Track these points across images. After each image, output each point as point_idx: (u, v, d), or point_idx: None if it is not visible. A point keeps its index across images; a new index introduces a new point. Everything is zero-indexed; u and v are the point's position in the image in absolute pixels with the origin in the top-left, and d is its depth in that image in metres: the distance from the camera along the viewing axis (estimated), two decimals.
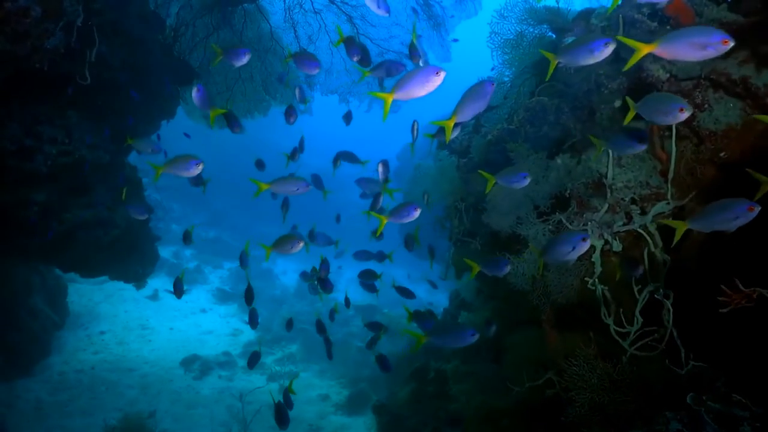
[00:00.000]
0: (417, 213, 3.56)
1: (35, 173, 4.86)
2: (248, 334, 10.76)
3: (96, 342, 9.30)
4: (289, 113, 4.60)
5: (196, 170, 3.37)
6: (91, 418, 6.99)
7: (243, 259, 4.74)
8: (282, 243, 3.75)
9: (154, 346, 9.56)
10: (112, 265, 6.19)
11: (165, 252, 13.82)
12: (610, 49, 2.39)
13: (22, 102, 4.66)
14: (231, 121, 4.36)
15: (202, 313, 11.53)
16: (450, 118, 2.68)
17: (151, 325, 10.37)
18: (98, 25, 4.94)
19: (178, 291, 4.33)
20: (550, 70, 2.67)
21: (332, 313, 6.98)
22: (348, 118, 5.27)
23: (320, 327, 5.10)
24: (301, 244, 3.73)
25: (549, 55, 2.62)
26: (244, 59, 3.72)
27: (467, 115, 2.62)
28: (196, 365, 8.81)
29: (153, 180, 3.63)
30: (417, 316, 4.50)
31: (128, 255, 6.19)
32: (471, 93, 2.55)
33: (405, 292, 5.36)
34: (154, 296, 11.38)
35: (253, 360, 5.06)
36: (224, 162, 17.45)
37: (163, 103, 6.72)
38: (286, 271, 15.43)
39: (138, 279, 6.87)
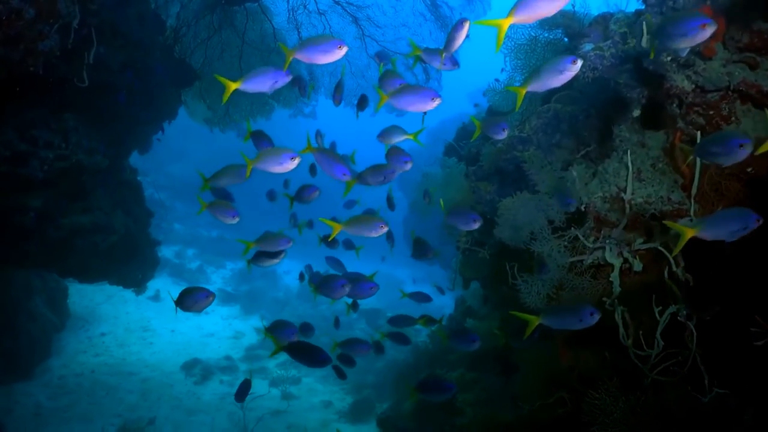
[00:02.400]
0: (476, 225, 3.41)
1: (31, 179, 4.73)
2: (250, 337, 10.63)
3: (96, 344, 9.18)
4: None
5: (291, 165, 2.87)
6: (90, 424, 6.86)
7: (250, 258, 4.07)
8: (362, 223, 3.19)
9: (155, 348, 9.44)
10: (111, 271, 6.06)
11: (168, 252, 13.70)
12: (708, 32, 2.17)
13: (16, 106, 4.52)
14: (259, 139, 3.73)
15: (204, 315, 11.39)
16: (522, 86, 2.51)
17: (152, 327, 10.25)
18: (96, 26, 4.80)
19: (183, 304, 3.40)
20: (652, 53, 2.42)
21: (337, 321, 6.81)
22: (363, 103, 4.94)
23: (344, 360, 4.65)
24: (386, 229, 3.17)
25: (648, 27, 2.36)
26: (338, 52, 2.73)
27: (541, 86, 2.45)
28: (197, 369, 8.68)
29: (245, 176, 3.23)
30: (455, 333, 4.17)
31: (127, 260, 6.06)
32: (551, 64, 2.39)
33: (420, 297, 5.15)
34: (156, 297, 11.27)
35: (244, 390, 4.60)
36: (228, 161, 17.30)
37: (163, 104, 6.59)
38: (290, 271, 15.29)
39: (137, 284, 6.74)
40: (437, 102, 2.82)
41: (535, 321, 2.68)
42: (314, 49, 2.73)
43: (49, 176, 4.84)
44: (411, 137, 3.68)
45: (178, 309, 3.38)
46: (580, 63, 2.34)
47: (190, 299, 3.32)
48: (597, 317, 2.54)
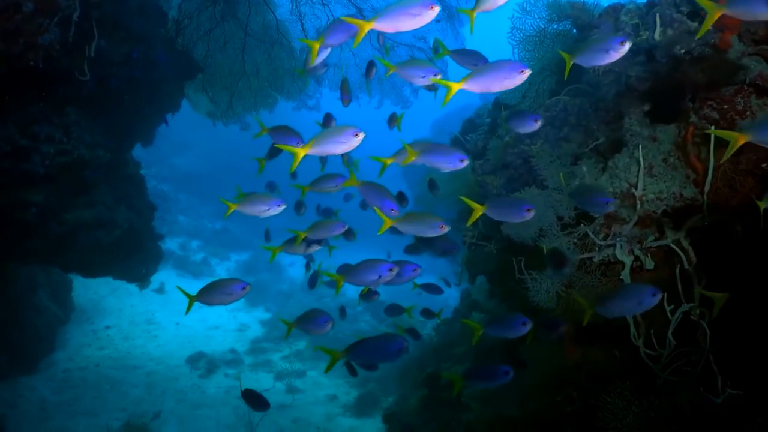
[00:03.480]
0: (530, 215, 2.83)
1: (32, 174, 4.69)
2: (255, 329, 10.62)
3: (101, 337, 9.17)
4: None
5: (356, 142, 2.56)
6: (95, 418, 6.85)
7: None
8: (419, 220, 2.87)
9: (160, 341, 9.42)
10: (114, 265, 6.02)
11: (172, 244, 13.69)
12: None
13: (16, 101, 4.48)
14: (286, 135, 3.44)
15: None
16: (571, 54, 2.54)
17: (157, 320, 10.23)
18: (97, 19, 4.74)
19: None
20: (705, 26, 2.20)
21: (343, 310, 6.76)
22: (371, 68, 4.75)
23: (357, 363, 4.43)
24: (446, 229, 2.84)
25: (708, 4, 2.09)
26: (429, 14, 2.31)
27: (587, 60, 2.48)
28: (202, 363, 8.66)
29: (295, 164, 2.91)
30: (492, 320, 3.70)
31: (131, 255, 6.02)
32: (599, 42, 2.40)
33: (432, 288, 5.09)
34: (161, 290, 11.25)
35: (258, 401, 4.16)
36: (231, 152, 17.24)
37: (166, 97, 6.53)
38: (294, 263, 15.24)
39: (141, 279, 6.71)
40: (527, 73, 2.42)
41: (590, 308, 2.54)
42: (399, 14, 2.31)
43: (50, 171, 4.80)
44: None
45: (184, 301, 3.14)
46: (628, 45, 2.29)
47: (224, 292, 2.96)
48: (659, 296, 2.36)
